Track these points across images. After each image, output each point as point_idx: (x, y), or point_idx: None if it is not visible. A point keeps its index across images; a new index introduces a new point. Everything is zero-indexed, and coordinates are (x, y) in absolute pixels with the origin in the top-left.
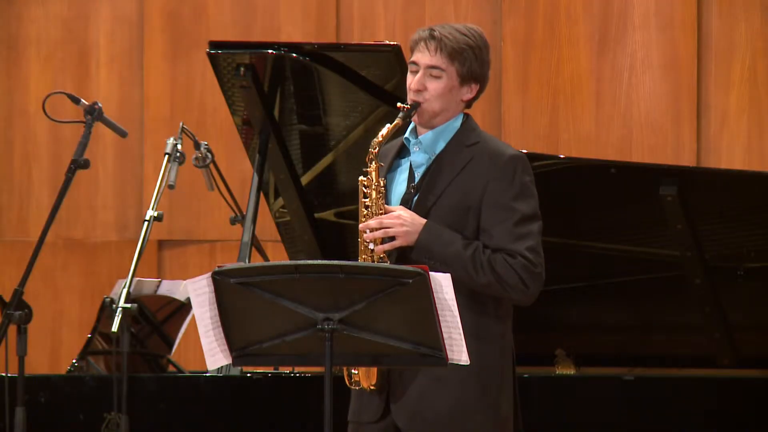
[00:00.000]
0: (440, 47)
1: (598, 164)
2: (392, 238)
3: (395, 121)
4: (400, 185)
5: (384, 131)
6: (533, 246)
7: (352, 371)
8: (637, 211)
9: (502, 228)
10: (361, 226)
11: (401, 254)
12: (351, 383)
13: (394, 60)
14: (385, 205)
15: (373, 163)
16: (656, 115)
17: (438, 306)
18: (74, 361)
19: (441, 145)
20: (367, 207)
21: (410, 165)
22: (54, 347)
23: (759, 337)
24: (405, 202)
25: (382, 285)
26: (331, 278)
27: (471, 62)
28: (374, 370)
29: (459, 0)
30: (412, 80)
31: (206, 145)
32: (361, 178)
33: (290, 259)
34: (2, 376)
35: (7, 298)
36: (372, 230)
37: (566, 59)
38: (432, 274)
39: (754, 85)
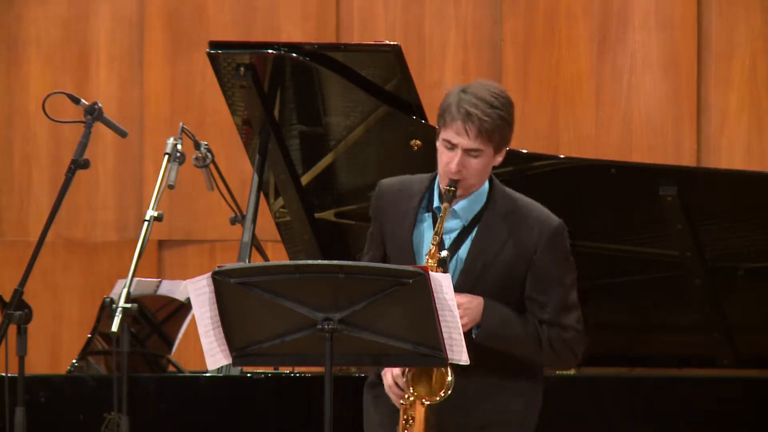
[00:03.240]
0: (480, 132)
1: (598, 164)
2: None
3: (444, 207)
4: (428, 244)
5: (438, 224)
6: (580, 315)
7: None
8: (637, 211)
9: (554, 302)
10: None
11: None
12: None
13: (394, 60)
14: None
15: (433, 248)
16: (656, 115)
17: (438, 306)
18: (74, 361)
19: (474, 211)
20: None
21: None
22: (54, 347)
23: (759, 337)
24: (440, 264)
25: (382, 285)
26: (331, 278)
27: (505, 133)
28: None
29: (459, 0)
30: (449, 159)
31: (206, 145)
32: (444, 253)
33: (290, 259)
34: (2, 376)
35: (7, 298)
36: None
37: (566, 59)
38: (432, 274)
39: (754, 85)
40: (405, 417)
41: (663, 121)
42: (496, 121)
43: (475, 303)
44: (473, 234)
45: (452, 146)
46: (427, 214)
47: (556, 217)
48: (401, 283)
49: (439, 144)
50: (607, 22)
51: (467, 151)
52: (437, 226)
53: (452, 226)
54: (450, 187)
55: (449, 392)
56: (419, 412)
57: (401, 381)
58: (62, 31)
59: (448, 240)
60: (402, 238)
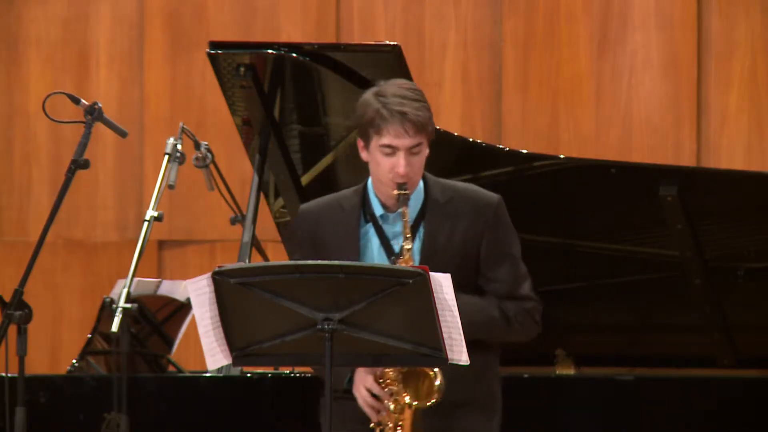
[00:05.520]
0: (417, 127)
1: (598, 164)
2: None
3: (404, 211)
4: (378, 256)
5: (406, 229)
6: (530, 283)
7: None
8: (637, 211)
9: (508, 276)
10: None
11: None
12: None
13: (394, 60)
14: None
15: (408, 242)
16: (656, 115)
17: (438, 306)
18: (74, 361)
19: (416, 209)
20: None
21: (382, 235)
22: (54, 347)
23: (759, 337)
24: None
25: (382, 285)
26: (331, 278)
27: (432, 123)
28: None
29: (459, 0)
30: (393, 164)
31: (206, 145)
32: (393, 258)
33: (290, 259)
34: (2, 376)
35: (7, 298)
36: None
37: (566, 59)
38: (432, 274)
39: (754, 85)
40: (381, 428)
41: (663, 121)
42: (426, 113)
43: None
44: (421, 231)
45: (393, 150)
46: (368, 226)
47: (492, 193)
48: (401, 283)
49: (373, 152)
50: (607, 22)
51: (409, 150)
52: (404, 230)
53: (399, 229)
54: (402, 190)
55: (439, 396)
56: (406, 417)
57: (377, 390)
58: (62, 31)
59: (397, 245)
60: (349, 257)
